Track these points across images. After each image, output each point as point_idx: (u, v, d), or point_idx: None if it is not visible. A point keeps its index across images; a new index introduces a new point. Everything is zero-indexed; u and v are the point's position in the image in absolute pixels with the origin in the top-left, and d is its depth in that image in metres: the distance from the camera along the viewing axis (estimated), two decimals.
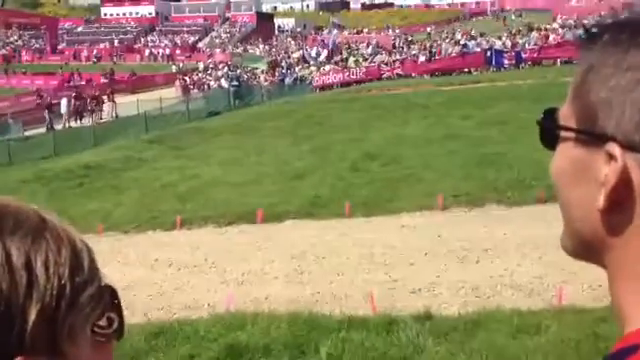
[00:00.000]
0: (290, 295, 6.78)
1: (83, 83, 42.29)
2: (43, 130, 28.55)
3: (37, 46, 67.80)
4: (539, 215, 8.77)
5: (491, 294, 6.33)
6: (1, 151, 22.01)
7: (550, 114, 0.71)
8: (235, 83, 34.04)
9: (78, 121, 30.67)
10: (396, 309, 5.94)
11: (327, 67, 37.85)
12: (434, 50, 36.08)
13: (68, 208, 11.62)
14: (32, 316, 0.57)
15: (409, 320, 5.40)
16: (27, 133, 27.54)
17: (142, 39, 70.35)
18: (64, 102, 31.22)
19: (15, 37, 70.18)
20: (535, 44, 32.74)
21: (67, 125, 29.91)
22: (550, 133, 0.71)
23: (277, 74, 39.23)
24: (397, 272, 7.18)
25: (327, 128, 18.19)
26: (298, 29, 72.57)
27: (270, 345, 5.05)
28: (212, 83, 40.12)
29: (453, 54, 33.86)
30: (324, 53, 43.11)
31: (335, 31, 56.44)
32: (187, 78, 42.68)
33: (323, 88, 33.01)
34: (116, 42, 67.52)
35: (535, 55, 30.80)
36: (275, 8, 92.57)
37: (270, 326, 5.37)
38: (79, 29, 74.89)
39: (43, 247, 0.60)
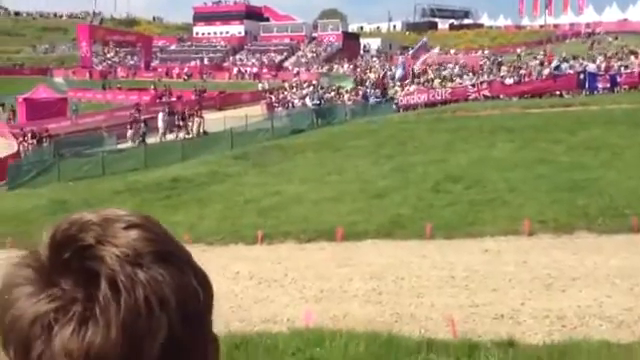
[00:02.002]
0: (368, 315, 6.73)
1: (174, 99, 43.79)
2: (135, 143, 29.78)
3: (132, 63, 71.05)
4: (632, 244, 8.40)
5: (578, 324, 6.07)
6: (95, 163, 23.10)
7: None
8: (316, 102, 34.36)
9: (168, 135, 31.80)
10: (477, 334, 5.80)
11: (412, 87, 37.58)
12: (523, 72, 35.22)
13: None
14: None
15: (492, 347, 5.25)
16: (120, 146, 28.79)
17: (231, 58, 72.42)
18: (161, 116, 32.40)
19: (112, 54, 73.84)
20: (627, 67, 31.45)
21: (162, 139, 31.02)
22: None
23: (361, 93, 39.26)
24: (479, 297, 7.00)
25: (409, 148, 18.04)
26: (383, 49, 72.75)
27: None
28: (296, 102, 40.68)
29: (544, 76, 32.91)
30: (399, 70, 42.42)
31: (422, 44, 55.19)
32: (272, 96, 43.48)
33: (407, 108, 32.78)
34: (206, 60, 69.82)
35: (631, 79, 29.53)
36: (362, 28, 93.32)
37: (348, 344, 5.33)
38: (172, 47, 77.98)
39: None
